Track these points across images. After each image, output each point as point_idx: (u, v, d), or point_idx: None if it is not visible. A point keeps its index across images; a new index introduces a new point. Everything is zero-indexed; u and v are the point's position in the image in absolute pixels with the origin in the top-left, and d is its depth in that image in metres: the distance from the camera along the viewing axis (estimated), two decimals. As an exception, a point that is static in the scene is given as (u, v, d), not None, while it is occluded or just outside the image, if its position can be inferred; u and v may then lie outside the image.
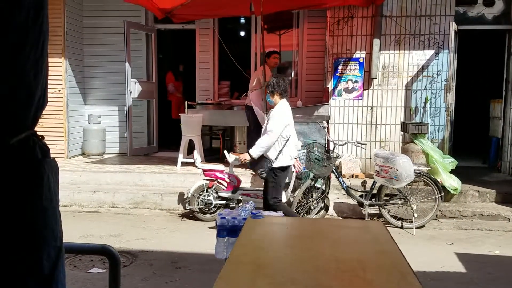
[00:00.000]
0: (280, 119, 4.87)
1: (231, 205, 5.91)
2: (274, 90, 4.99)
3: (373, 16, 7.55)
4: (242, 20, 10.36)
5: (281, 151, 4.91)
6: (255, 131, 7.43)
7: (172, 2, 7.01)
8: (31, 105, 0.95)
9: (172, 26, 9.04)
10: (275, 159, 4.90)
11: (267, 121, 4.96)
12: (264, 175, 4.95)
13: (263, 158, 4.93)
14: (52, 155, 1.04)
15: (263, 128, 5.05)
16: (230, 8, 7.60)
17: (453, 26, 7.38)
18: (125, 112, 8.71)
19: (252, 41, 8.99)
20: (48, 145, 1.04)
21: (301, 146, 6.25)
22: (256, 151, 4.89)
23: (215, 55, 9.05)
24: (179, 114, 8.03)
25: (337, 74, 7.74)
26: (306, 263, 1.56)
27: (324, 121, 6.68)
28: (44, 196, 0.98)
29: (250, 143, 7.55)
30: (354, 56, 7.71)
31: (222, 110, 8.40)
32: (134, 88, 8.58)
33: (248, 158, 4.93)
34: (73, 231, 5.50)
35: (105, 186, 7.11)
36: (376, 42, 7.45)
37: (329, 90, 7.75)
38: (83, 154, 8.94)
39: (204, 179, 6.06)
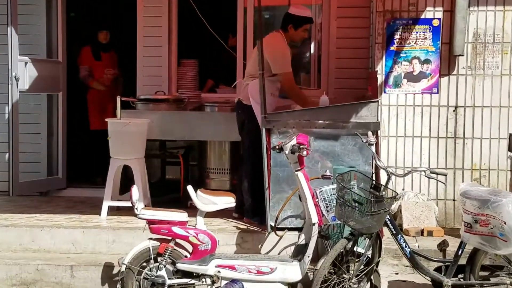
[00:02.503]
0: None
1: (199, 287, 4.92)
2: None
3: None
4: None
5: None
6: (251, 147, 5.31)
7: None
8: None
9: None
10: None
11: None
12: None
13: None
14: None
15: None
16: None
17: None
18: (6, 115, 6.49)
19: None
20: None
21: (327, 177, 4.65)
22: None
23: (172, 15, 6.86)
24: (106, 120, 6.00)
25: (392, 48, 5.86)
26: None
27: (370, 133, 4.90)
28: None
29: (241, 169, 5.67)
30: (422, 17, 5.84)
31: (184, 112, 6.37)
32: (24, 73, 6.54)
33: None
34: None
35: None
36: (464, -10, 5.67)
37: (379, 77, 5.91)
38: None
39: (151, 239, 4.80)
